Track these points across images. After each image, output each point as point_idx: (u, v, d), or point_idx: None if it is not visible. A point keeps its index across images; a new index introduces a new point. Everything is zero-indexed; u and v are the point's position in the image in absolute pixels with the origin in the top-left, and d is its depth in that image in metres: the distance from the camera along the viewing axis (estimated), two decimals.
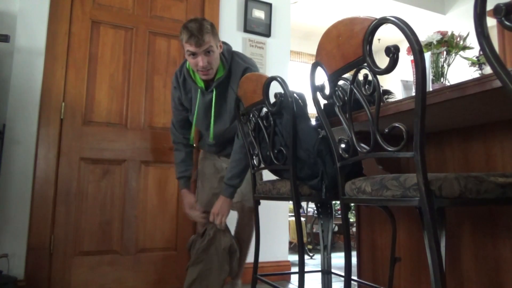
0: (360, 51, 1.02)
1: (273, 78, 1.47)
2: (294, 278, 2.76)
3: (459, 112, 1.28)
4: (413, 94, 1.40)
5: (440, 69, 1.77)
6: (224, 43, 1.98)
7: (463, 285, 1.46)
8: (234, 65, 1.92)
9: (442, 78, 1.77)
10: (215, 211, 1.90)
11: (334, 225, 3.50)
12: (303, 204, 4.62)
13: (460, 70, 1.98)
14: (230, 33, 2.86)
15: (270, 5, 3.01)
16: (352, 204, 1.98)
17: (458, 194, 0.91)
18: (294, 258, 2.75)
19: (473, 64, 1.94)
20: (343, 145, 1.21)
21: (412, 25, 0.91)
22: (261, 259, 2.10)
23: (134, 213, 2.46)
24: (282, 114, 1.50)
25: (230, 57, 1.94)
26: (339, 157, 1.21)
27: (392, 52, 0.91)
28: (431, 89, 1.54)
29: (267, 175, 1.93)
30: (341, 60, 1.11)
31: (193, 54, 1.79)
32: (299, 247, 1.46)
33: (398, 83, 1.85)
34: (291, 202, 1.50)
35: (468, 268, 1.45)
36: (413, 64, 1.27)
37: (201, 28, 1.75)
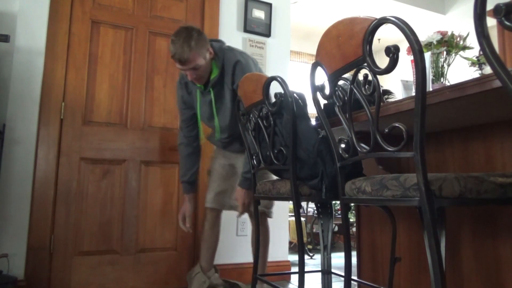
0: (360, 51, 1.02)
1: (273, 78, 1.47)
2: (294, 278, 2.76)
3: (459, 112, 1.28)
4: (413, 94, 1.40)
5: (440, 69, 1.77)
6: (216, 40, 2.02)
7: (463, 285, 1.46)
8: (226, 62, 1.93)
9: (442, 78, 1.76)
10: (241, 202, 1.97)
11: (334, 225, 3.50)
12: (303, 204, 4.62)
13: (460, 70, 1.98)
14: (230, 33, 2.86)
15: (270, 5, 3.01)
16: (352, 204, 1.98)
17: (458, 194, 0.91)
18: (294, 258, 2.75)
19: (473, 64, 1.94)
20: (343, 145, 1.21)
21: (412, 25, 0.91)
22: None
23: (134, 213, 2.46)
24: (282, 114, 1.50)
25: (222, 55, 1.94)
26: (339, 157, 1.21)
27: (392, 52, 0.91)
28: (431, 89, 1.53)
29: None
30: (341, 60, 1.11)
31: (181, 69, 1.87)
32: (299, 247, 1.45)
33: (398, 83, 1.85)
34: (291, 202, 1.50)
35: (468, 268, 1.45)
36: (413, 64, 1.27)
37: (183, 49, 1.76)
